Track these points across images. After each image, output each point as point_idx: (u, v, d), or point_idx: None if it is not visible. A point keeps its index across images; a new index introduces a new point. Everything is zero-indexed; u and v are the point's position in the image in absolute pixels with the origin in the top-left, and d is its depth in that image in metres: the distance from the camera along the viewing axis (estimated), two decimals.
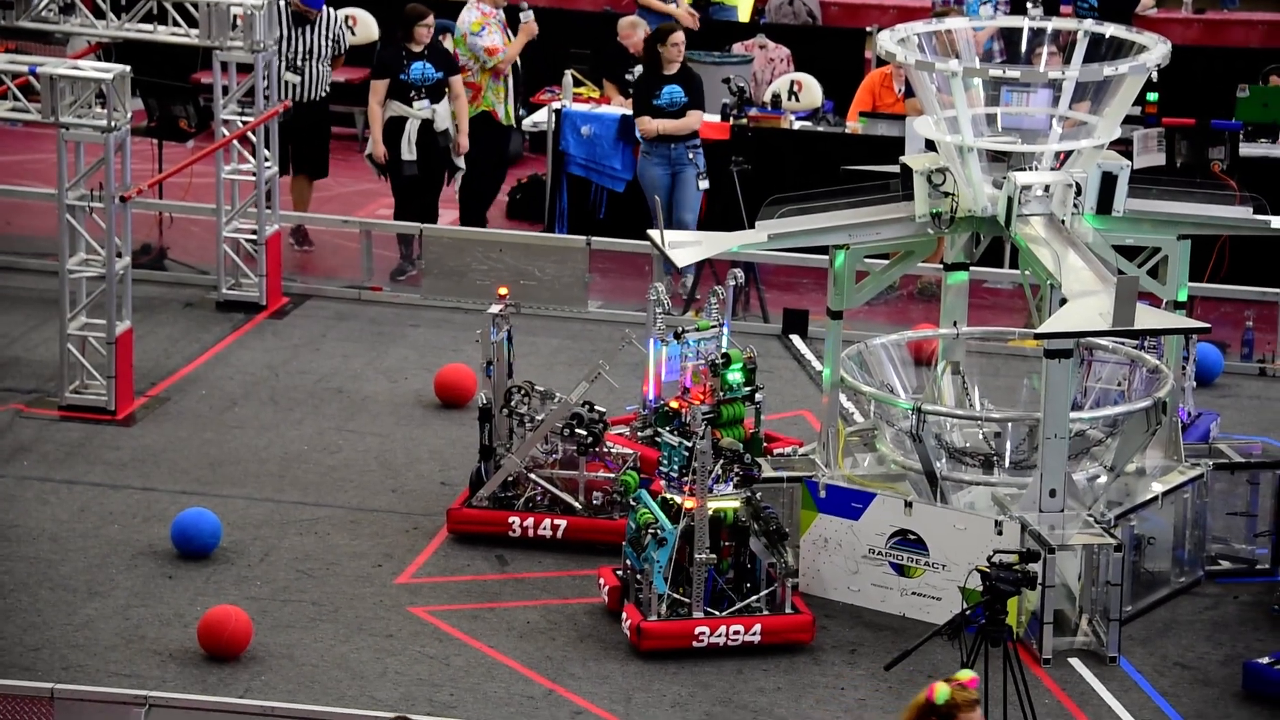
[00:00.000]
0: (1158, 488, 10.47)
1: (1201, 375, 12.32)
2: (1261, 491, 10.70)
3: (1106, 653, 9.95)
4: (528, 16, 15.29)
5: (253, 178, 13.97)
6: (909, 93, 14.45)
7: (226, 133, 13.84)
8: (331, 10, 14.99)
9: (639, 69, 14.83)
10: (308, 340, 13.58)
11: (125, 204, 12.24)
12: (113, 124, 11.92)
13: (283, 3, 14.47)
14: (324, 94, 14.99)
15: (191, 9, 13.53)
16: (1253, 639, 10.10)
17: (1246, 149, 13.78)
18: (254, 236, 13.96)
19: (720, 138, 14.63)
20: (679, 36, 14.30)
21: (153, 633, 10.03)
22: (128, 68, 12.09)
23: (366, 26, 17.19)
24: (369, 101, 14.57)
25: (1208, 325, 10.40)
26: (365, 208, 15.32)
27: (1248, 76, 14.80)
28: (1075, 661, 9.94)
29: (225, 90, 13.81)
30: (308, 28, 14.75)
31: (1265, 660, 9.70)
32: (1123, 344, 10.83)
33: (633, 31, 15.26)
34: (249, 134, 13.82)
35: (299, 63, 14.69)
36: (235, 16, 13.51)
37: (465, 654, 9.97)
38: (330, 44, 14.96)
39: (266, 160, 13.92)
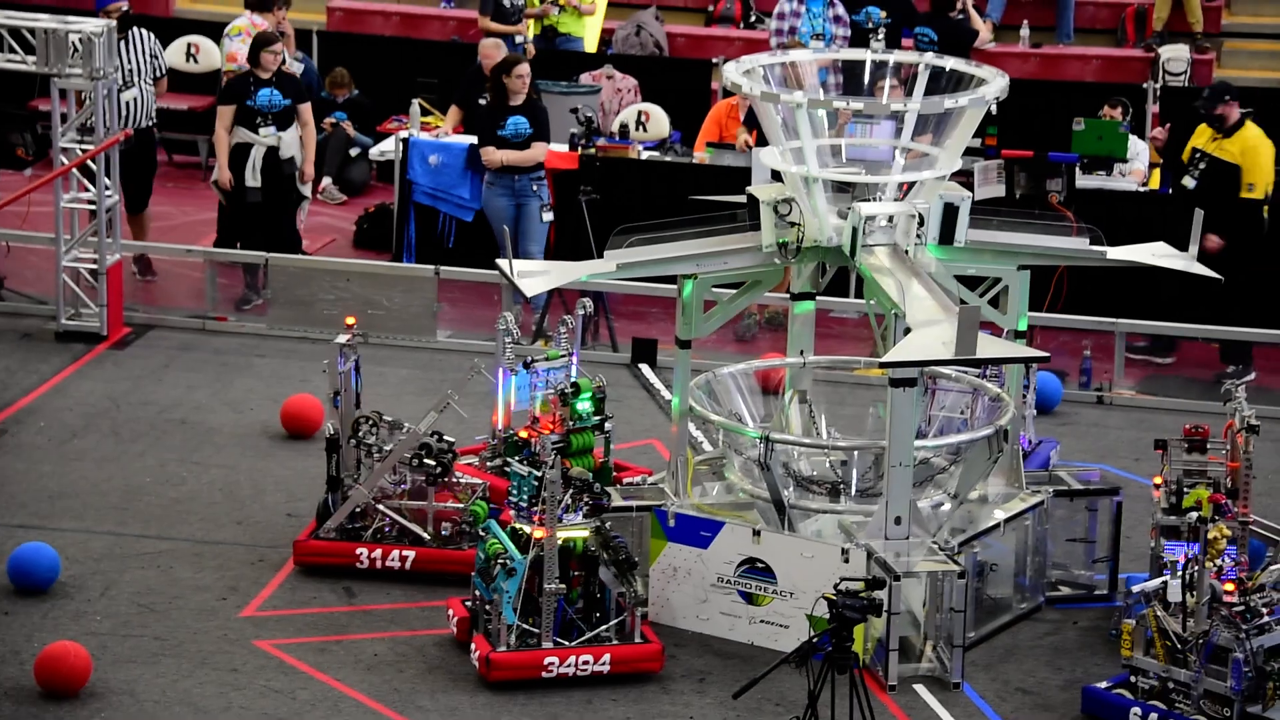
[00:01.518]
0: (1000, 515, 10.63)
1: (1041, 403, 12.53)
2: (1100, 518, 10.89)
3: (950, 679, 10.08)
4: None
5: (92, 206, 13.77)
6: (747, 123, 14.58)
7: (65, 160, 13.63)
8: (141, 30, 14.76)
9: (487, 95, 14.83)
10: (150, 371, 13.40)
11: None
12: None
13: None
14: (151, 120, 14.76)
15: (29, 35, 13.32)
16: (1091, 664, 10.28)
17: (1083, 181, 14.06)
18: (94, 266, 13.76)
19: (569, 167, 14.67)
20: (524, 68, 14.33)
21: None
22: None
23: (209, 54, 17.03)
24: (215, 127, 14.43)
25: (1047, 354, 10.58)
26: (209, 236, 15.15)
27: (1083, 110, 15.10)
28: (920, 688, 10.05)
29: (64, 118, 13.60)
30: (123, 47, 14.48)
31: (1104, 685, 9.87)
32: (965, 373, 10.98)
33: (495, 52, 15.26)
34: (88, 162, 13.62)
35: (120, 85, 14.47)
36: (74, 43, 13.32)
37: (312, 687, 9.88)
38: (150, 63, 14.75)
39: (107, 188, 13.73)
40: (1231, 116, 13.78)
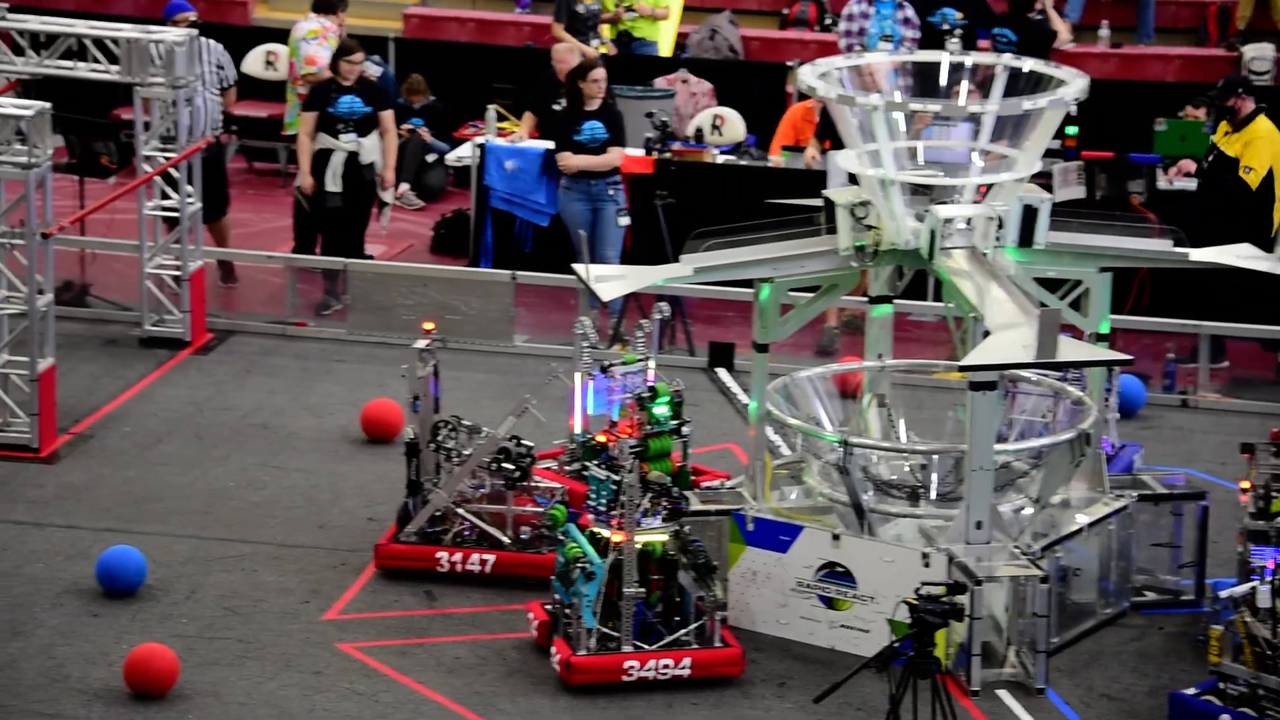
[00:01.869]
0: (1083, 519, 10.56)
1: (1124, 407, 12.43)
2: (1185, 523, 10.80)
3: (1034, 684, 10.01)
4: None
5: (174, 213, 13.89)
6: (820, 135, 14.51)
7: (148, 169, 13.76)
8: (208, 41, 14.87)
9: (563, 101, 14.86)
10: (232, 376, 13.51)
11: (47, 241, 12.15)
12: (33, 161, 11.83)
13: None
14: (216, 129, 14.86)
15: (112, 45, 13.46)
16: (1178, 670, 10.19)
17: (1165, 182, 13.95)
18: (177, 272, 13.88)
19: (644, 172, 14.67)
20: (600, 72, 14.34)
21: (77, 672, 9.93)
22: (48, 104, 12.02)
23: (288, 61, 17.12)
24: (299, 134, 14.54)
25: (1130, 357, 10.52)
26: (289, 242, 15.25)
27: (1164, 110, 14.99)
28: (1003, 693, 10.00)
29: (146, 126, 13.73)
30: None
31: (1191, 691, 9.78)
32: (1047, 376, 10.92)
33: (569, 57, 15.30)
34: (170, 169, 13.74)
35: None
36: (156, 53, 13.44)
37: (394, 690, 9.93)
38: (214, 73, 14.85)
39: (189, 196, 13.85)
40: (1244, 110, 13.65)
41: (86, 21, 13.86)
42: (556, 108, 14.88)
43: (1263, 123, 13.67)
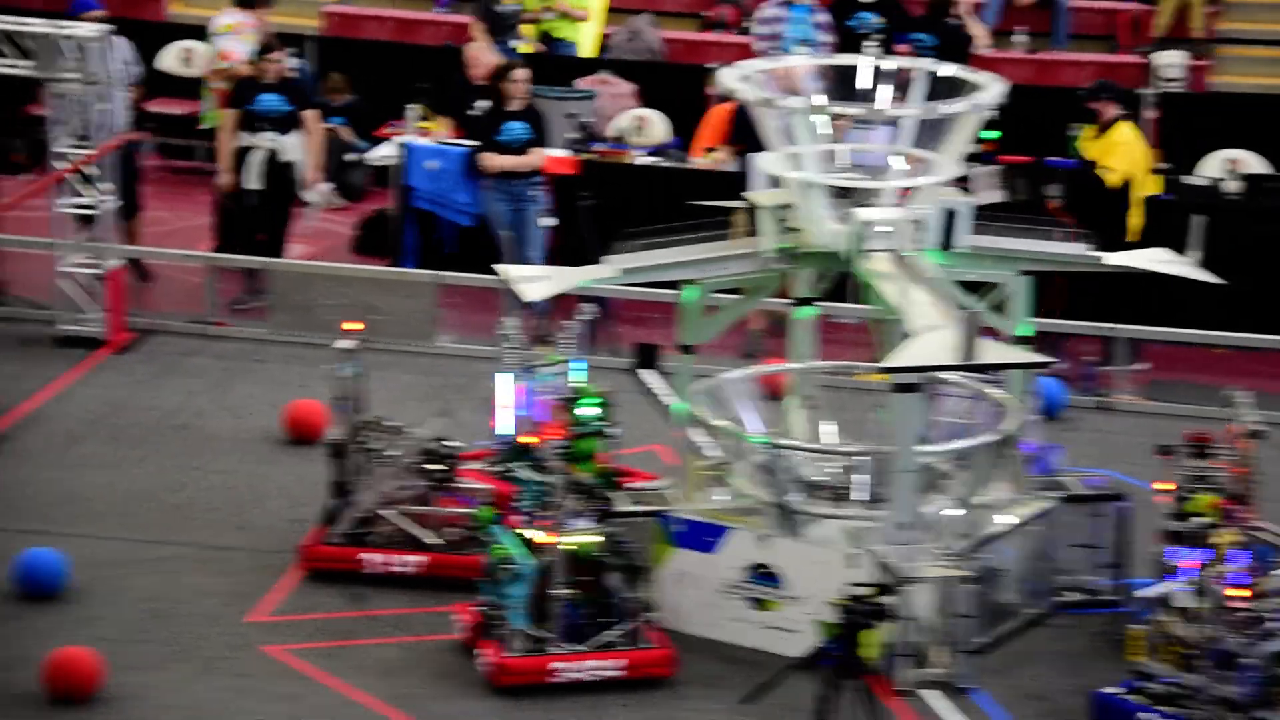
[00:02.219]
0: (1006, 520, 10.65)
1: (1045, 409, 12.54)
2: (1105, 523, 10.91)
3: (961, 684, 10.09)
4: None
5: (89, 211, 13.75)
6: (736, 134, 14.54)
7: (62, 165, 13.61)
8: (117, 38, 14.73)
9: (481, 103, 14.83)
10: (152, 376, 13.38)
11: None
12: None
13: None
14: (126, 125, 14.73)
15: (23, 40, 13.29)
16: (1100, 669, 10.29)
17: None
18: (94, 271, 13.73)
19: (567, 172, 14.67)
20: (522, 73, 14.32)
21: None
22: None
23: (203, 58, 16.98)
24: (219, 133, 14.43)
25: (1050, 359, 10.60)
26: (207, 241, 15.12)
27: (1077, 116, 15.13)
28: (930, 693, 10.07)
29: (60, 122, 13.57)
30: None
31: (1113, 690, 9.89)
32: (968, 379, 11.00)
33: (481, 57, 15.26)
34: (85, 166, 13.59)
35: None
36: (69, 47, 13.28)
37: (320, 693, 9.88)
38: (123, 69, 14.72)
39: (105, 193, 13.71)
40: (1106, 114, 13.87)
41: None
42: (472, 112, 14.86)
43: (1125, 129, 13.91)
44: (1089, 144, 13.93)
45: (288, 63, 15.00)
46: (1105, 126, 13.87)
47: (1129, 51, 18.36)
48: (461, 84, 15.25)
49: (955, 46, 16.78)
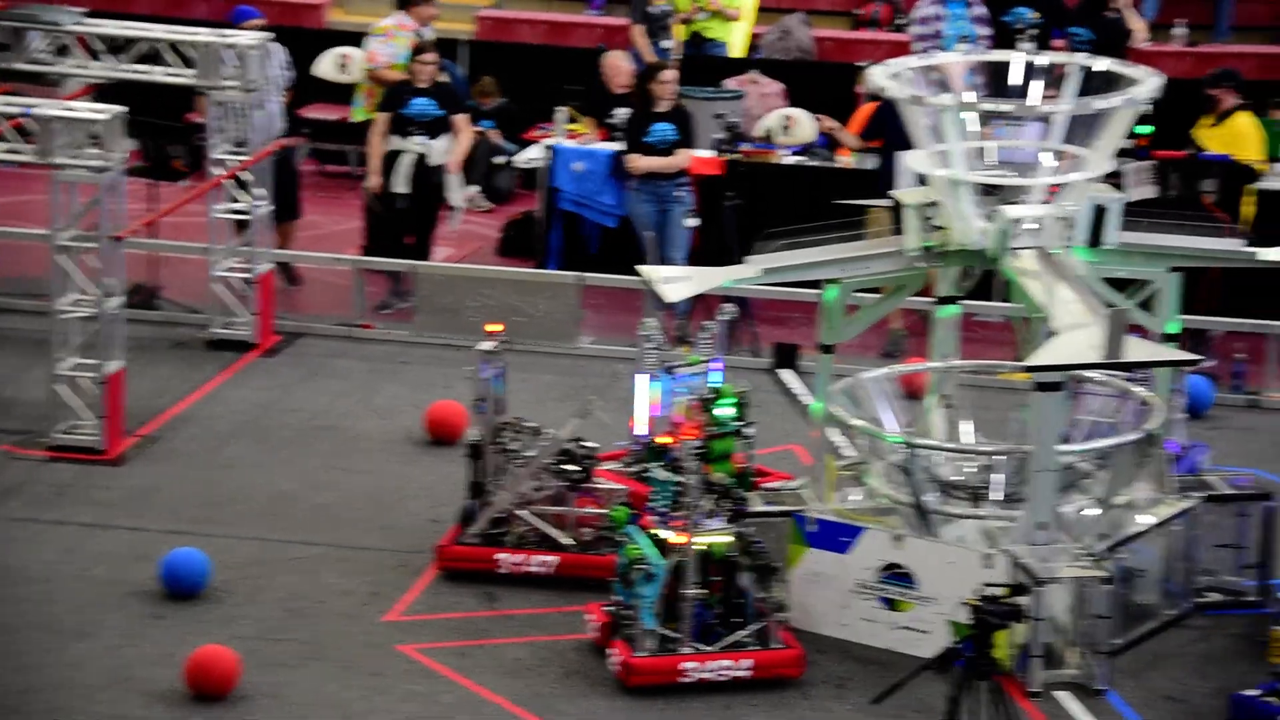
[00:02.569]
0: (1147, 520, 10.44)
1: (1192, 407, 12.30)
2: (1250, 523, 10.66)
3: (1095, 685, 9.92)
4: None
5: (245, 216, 13.99)
6: (872, 129, 14.41)
7: (219, 172, 13.86)
8: (276, 44, 14.99)
9: (620, 111, 14.87)
10: (298, 378, 13.58)
11: (118, 244, 12.26)
12: (106, 165, 11.95)
13: None
14: (282, 130, 14.96)
15: (187, 49, 13.56)
16: (1240, 671, 10.07)
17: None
18: (246, 275, 13.98)
19: (713, 173, 14.64)
20: (669, 74, 14.32)
21: (141, 673, 10.01)
22: (122, 108, 12.12)
23: (360, 65, 17.21)
24: (370, 135, 14.62)
25: (1196, 357, 10.37)
26: (357, 245, 15.32)
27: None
28: (1064, 694, 9.90)
29: (219, 129, 13.83)
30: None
31: (1252, 693, 9.66)
32: (1113, 376, 10.80)
33: (621, 64, 15.30)
34: (241, 172, 13.84)
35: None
36: (229, 56, 13.54)
37: (454, 691, 9.94)
38: (282, 75, 14.96)
39: (259, 199, 13.94)
40: (1225, 103, 13.50)
41: (162, 26, 13.98)
42: (611, 119, 14.88)
43: (1244, 119, 13.57)
44: (1206, 133, 13.63)
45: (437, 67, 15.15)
46: (1223, 116, 13.56)
47: None
48: (601, 91, 15.29)
49: (1113, 40, 16.51)
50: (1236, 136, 13.61)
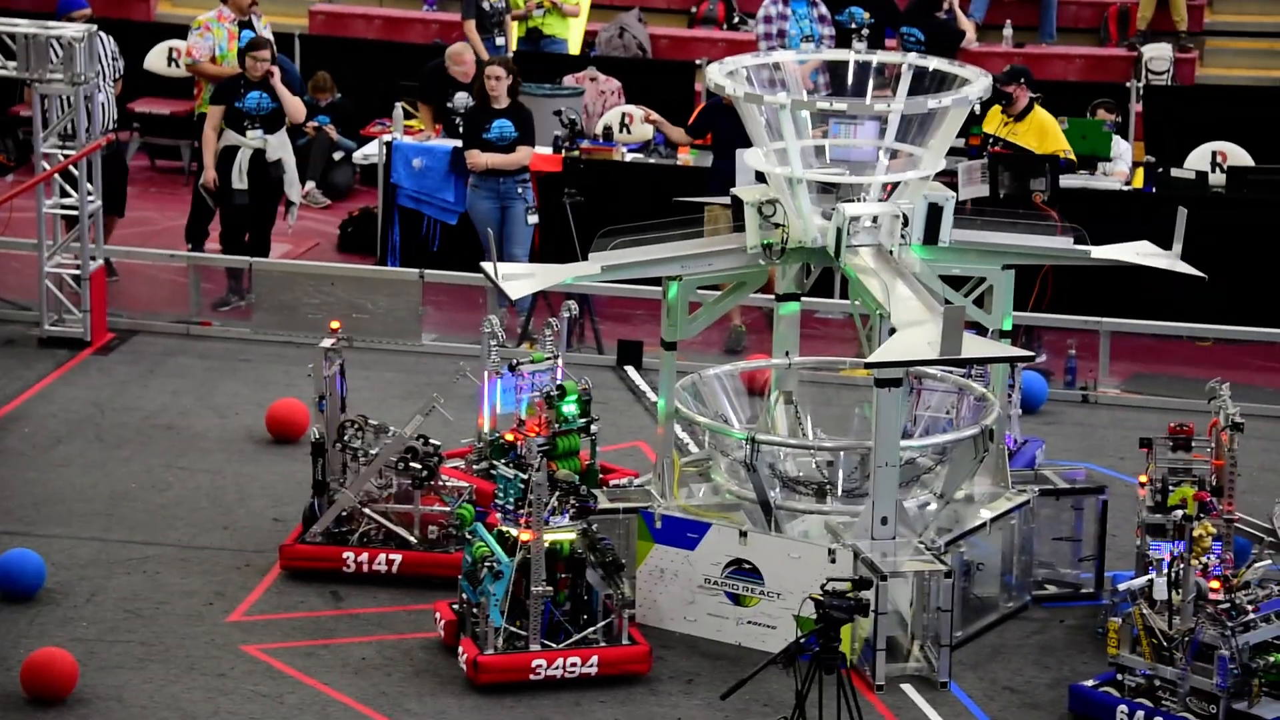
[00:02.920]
0: (986, 514, 10.64)
1: (1027, 403, 12.54)
2: (1085, 516, 10.90)
3: (938, 678, 10.08)
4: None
5: (73, 211, 13.75)
6: (698, 126, 14.51)
7: (47, 166, 13.61)
8: (102, 34, 14.77)
9: (459, 96, 14.83)
10: (134, 376, 13.38)
11: None
12: None
13: None
14: (114, 124, 14.74)
15: (9, 41, 13.30)
16: (1079, 662, 10.29)
17: (1067, 180, 14.09)
18: (77, 271, 13.73)
19: (553, 170, 14.66)
20: (496, 70, 14.30)
21: None
22: None
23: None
24: (204, 128, 14.44)
25: (1032, 354, 10.57)
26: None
27: (1067, 109, 15.12)
28: (907, 687, 10.06)
29: (45, 123, 13.58)
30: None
31: (1090, 683, 9.88)
32: (950, 373, 10.99)
33: (467, 55, 15.28)
34: (70, 167, 13.60)
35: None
36: (54, 48, 13.30)
37: (300, 692, 9.87)
38: (112, 65, 14.74)
39: (89, 194, 13.72)
40: (1021, 100, 13.86)
41: None
42: (451, 104, 14.84)
43: (1041, 112, 13.92)
44: (1009, 131, 13.84)
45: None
46: (1023, 113, 13.86)
47: (1117, 45, 18.36)
48: (435, 74, 15.23)
49: (945, 41, 16.77)
50: (1045, 132, 13.89)
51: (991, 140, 13.83)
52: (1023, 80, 13.89)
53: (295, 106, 14.48)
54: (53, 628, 10.25)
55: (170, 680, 9.88)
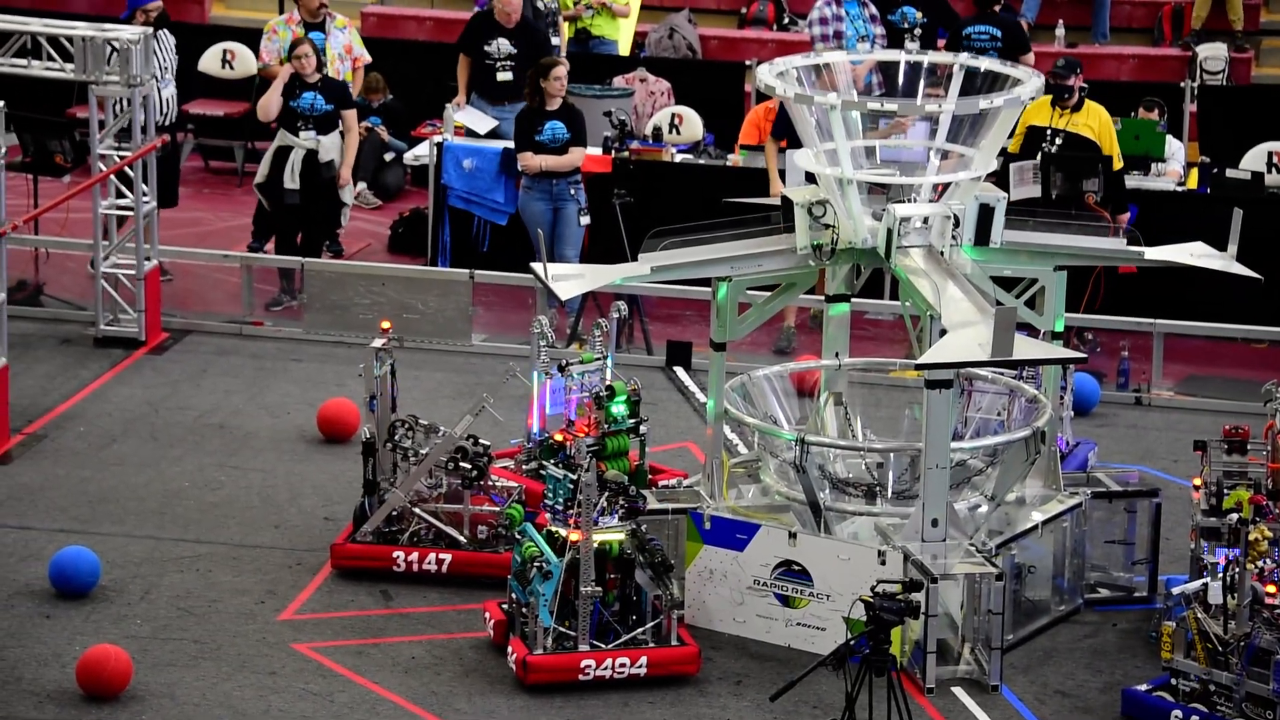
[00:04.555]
0: (1037, 516, 10.60)
1: (1079, 405, 12.49)
2: (1139, 519, 10.84)
3: (989, 681, 10.05)
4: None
5: (129, 212, 13.84)
6: (775, 134, 14.48)
7: (103, 167, 13.70)
8: (165, 32, 14.88)
9: (501, 42, 14.81)
10: (188, 376, 13.46)
11: (0, 240, 12.07)
12: None
13: None
14: (171, 119, 14.83)
15: (66, 43, 13.40)
16: (1131, 666, 10.24)
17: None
18: (132, 271, 13.82)
19: (602, 170, 14.67)
20: (561, 70, 14.33)
21: (30, 674, 9.89)
22: (1, 103, 11.94)
23: (245, 60, 17.08)
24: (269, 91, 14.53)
25: (1084, 355, 10.52)
26: (246, 242, 15.19)
27: (1119, 109, 15.05)
28: (958, 690, 10.03)
29: (101, 124, 13.67)
30: (156, 45, 14.58)
31: (1143, 687, 9.83)
32: (1002, 374, 10.95)
33: (510, 2, 15.39)
34: (126, 168, 13.69)
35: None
36: (111, 50, 13.39)
37: (349, 690, 9.91)
38: (173, 62, 14.86)
39: (145, 194, 13.80)
40: (1077, 92, 13.77)
41: (41, 19, 13.79)
42: (488, 50, 14.82)
43: (1096, 105, 13.81)
44: (1068, 122, 13.75)
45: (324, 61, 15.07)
46: (1079, 104, 13.77)
47: (1170, 45, 18.26)
48: (481, 22, 15.36)
49: (1016, 39, 16.62)
50: (1102, 122, 13.81)
51: (1050, 132, 13.76)
52: (1078, 72, 13.84)
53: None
54: (107, 625, 10.32)
55: (222, 678, 9.93)
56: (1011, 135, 13.87)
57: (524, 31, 15.47)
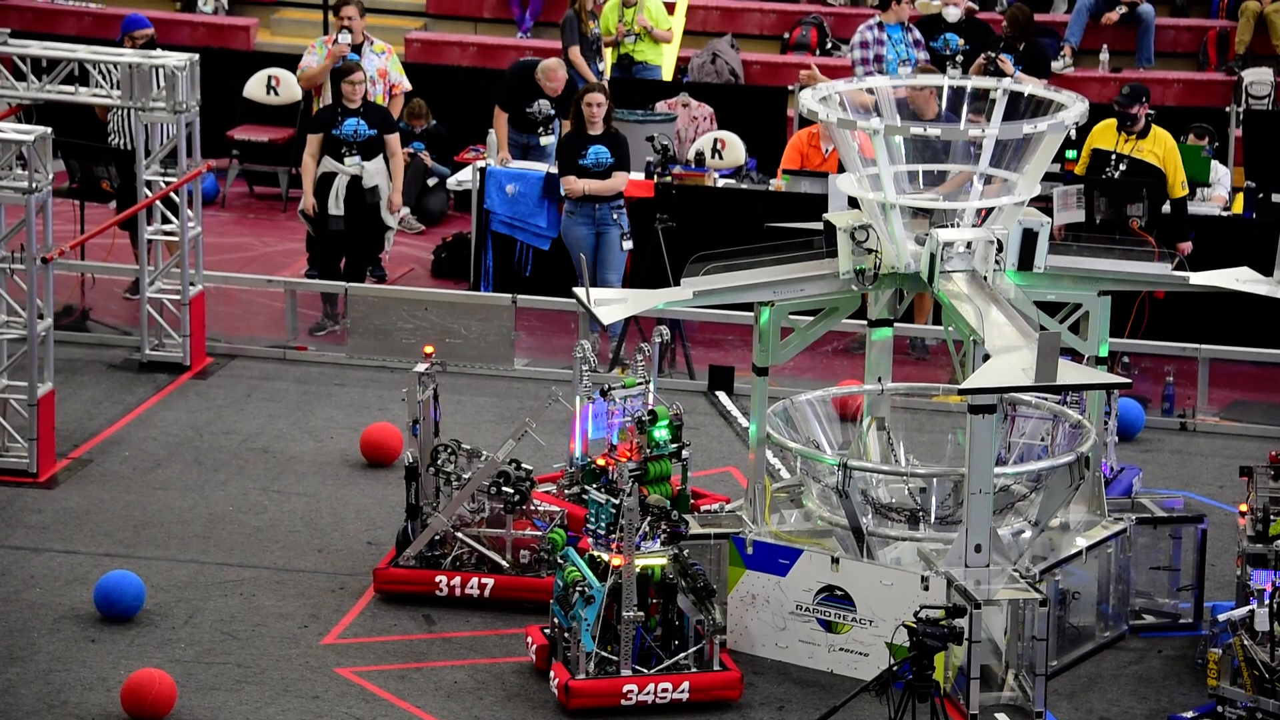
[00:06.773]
0: (1082, 542, 10.55)
1: (1123, 430, 12.44)
2: (1184, 545, 10.79)
3: (1033, 708, 10.00)
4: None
5: (174, 238, 13.93)
6: None
7: (149, 193, 13.79)
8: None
9: (541, 103, 14.88)
10: (232, 401, 13.52)
11: (47, 265, 12.17)
12: (34, 185, 11.87)
13: None
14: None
15: (113, 70, 13.49)
16: (1176, 693, 10.18)
17: (1165, 206, 13.97)
18: (177, 297, 13.91)
19: (645, 195, 14.70)
20: (597, 96, 14.36)
21: (75, 697, 9.93)
22: (49, 129, 12.05)
23: (289, 87, 17.18)
24: (303, 156, 14.59)
25: (1129, 380, 10.47)
26: (289, 267, 15.29)
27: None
28: (1002, 716, 9.98)
29: (147, 151, 13.76)
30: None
31: (1188, 715, 9.78)
32: (1046, 399, 10.92)
33: (560, 72, 15.39)
34: (171, 194, 13.78)
35: None
36: (157, 77, 13.48)
37: (392, 715, 9.92)
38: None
39: (190, 220, 13.89)
40: (1143, 118, 13.72)
41: (88, 47, 13.91)
42: (530, 110, 14.85)
43: (1162, 131, 13.80)
44: (1134, 148, 13.72)
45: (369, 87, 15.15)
46: (1144, 130, 13.73)
47: (1216, 69, 18.20)
48: (516, 80, 15.36)
49: (1037, 66, 16.66)
50: (1168, 149, 13.76)
51: (1114, 157, 13.73)
52: (1145, 99, 13.81)
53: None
54: (151, 649, 10.37)
55: (265, 702, 9.96)
56: (1077, 159, 13.88)
57: (566, 98, 15.24)
